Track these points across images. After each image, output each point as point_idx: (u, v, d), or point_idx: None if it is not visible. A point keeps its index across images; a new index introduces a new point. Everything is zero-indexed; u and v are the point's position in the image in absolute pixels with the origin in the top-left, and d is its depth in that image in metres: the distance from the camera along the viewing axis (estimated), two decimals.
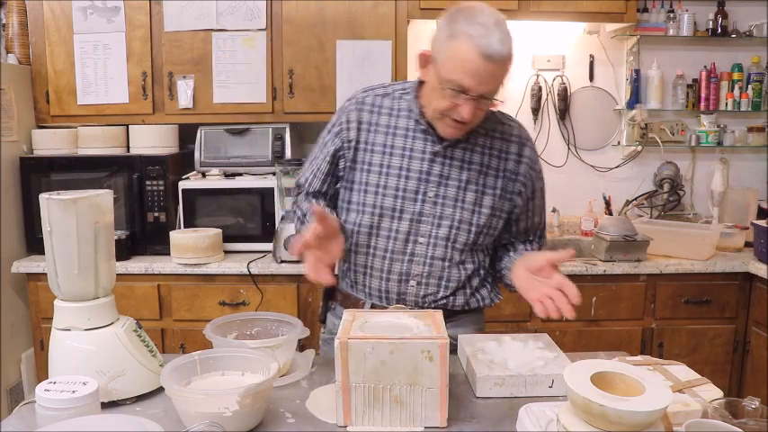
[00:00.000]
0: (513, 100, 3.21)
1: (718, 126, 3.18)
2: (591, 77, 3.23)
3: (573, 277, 2.63)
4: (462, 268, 1.51)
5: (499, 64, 1.28)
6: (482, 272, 1.56)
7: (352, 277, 1.56)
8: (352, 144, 1.50)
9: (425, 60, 1.37)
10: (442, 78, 1.31)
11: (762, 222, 2.68)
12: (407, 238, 1.47)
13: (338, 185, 1.55)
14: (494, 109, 1.49)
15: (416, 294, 1.50)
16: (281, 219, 2.67)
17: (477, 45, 1.26)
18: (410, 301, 1.50)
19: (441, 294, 1.50)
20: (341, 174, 1.53)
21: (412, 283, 1.49)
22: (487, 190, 1.47)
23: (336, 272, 1.62)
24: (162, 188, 2.74)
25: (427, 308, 1.49)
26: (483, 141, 1.48)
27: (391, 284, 1.50)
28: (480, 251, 1.54)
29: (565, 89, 3.19)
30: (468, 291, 1.54)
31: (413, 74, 2.90)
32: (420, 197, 1.46)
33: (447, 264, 1.49)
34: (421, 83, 1.45)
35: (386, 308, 1.49)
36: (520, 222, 1.55)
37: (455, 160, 1.46)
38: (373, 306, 1.52)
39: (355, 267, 1.54)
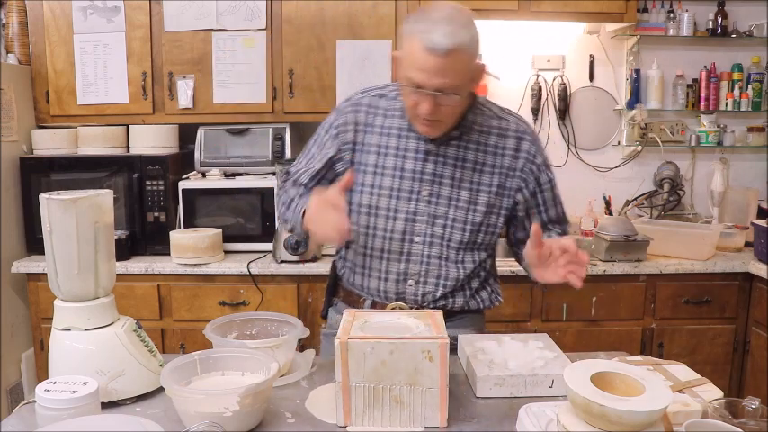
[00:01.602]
0: (513, 100, 3.21)
1: (718, 126, 3.18)
2: (591, 77, 3.23)
3: None
4: (461, 267, 1.50)
5: (445, 57, 1.27)
6: (482, 273, 1.56)
7: (350, 278, 1.57)
8: (350, 146, 1.51)
9: (396, 61, 1.40)
10: (402, 76, 1.35)
11: (762, 222, 2.68)
12: (403, 237, 1.48)
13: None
14: (495, 104, 1.51)
15: (415, 293, 1.50)
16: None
17: (421, 40, 1.28)
18: (409, 300, 1.50)
19: (440, 293, 1.50)
20: (339, 176, 1.53)
21: (410, 282, 1.49)
22: (482, 188, 1.47)
23: (339, 271, 1.63)
24: (162, 188, 2.74)
25: (426, 307, 1.50)
26: (478, 138, 1.48)
27: (389, 284, 1.50)
28: (481, 250, 1.53)
29: (565, 89, 3.19)
30: (467, 292, 1.54)
31: None
32: (414, 196, 1.46)
33: (444, 262, 1.49)
34: None
35: (385, 305, 1.50)
36: (533, 218, 1.54)
37: (449, 158, 1.46)
38: (374, 303, 1.53)
39: (354, 267, 1.55)
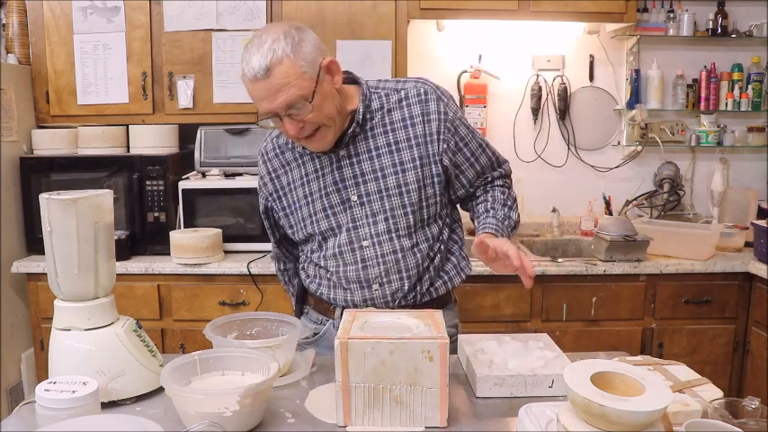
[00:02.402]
0: (513, 100, 3.21)
1: (718, 126, 3.18)
2: (591, 77, 3.23)
3: (573, 277, 2.65)
4: (417, 251, 1.49)
5: (268, 77, 1.29)
6: (441, 246, 1.53)
7: (317, 289, 1.57)
8: (273, 195, 1.56)
9: None
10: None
11: (762, 222, 2.68)
12: (352, 247, 1.48)
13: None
14: (388, 80, 1.51)
15: (384, 296, 1.49)
16: None
17: (245, 75, 1.32)
18: (379, 303, 1.49)
19: (407, 287, 1.49)
20: (281, 222, 1.59)
21: (374, 286, 1.48)
22: (406, 165, 1.45)
23: (305, 282, 1.63)
24: (162, 188, 2.74)
25: (397, 305, 1.49)
26: (382, 120, 1.46)
27: (355, 294, 1.50)
28: (431, 224, 1.50)
29: (565, 89, 3.19)
30: (432, 272, 1.52)
31: (412, 74, 2.91)
32: (346, 205, 1.47)
33: (400, 255, 1.47)
34: None
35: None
36: (467, 173, 1.52)
37: (361, 154, 1.46)
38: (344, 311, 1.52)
39: (318, 280, 1.56)
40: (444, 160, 1.46)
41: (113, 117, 2.88)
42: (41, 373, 2.71)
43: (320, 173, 1.48)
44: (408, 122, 1.45)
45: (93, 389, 1.10)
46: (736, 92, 3.14)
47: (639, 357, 1.37)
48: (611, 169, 3.28)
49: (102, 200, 1.24)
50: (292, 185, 1.52)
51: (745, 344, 2.71)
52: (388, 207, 1.45)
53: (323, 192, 1.48)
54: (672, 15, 3.10)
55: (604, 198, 3.20)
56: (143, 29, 2.81)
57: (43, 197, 1.21)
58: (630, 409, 0.89)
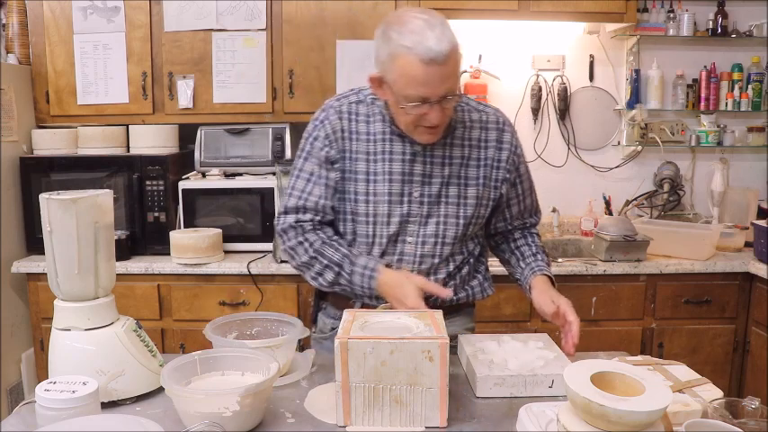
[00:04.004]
0: (513, 100, 3.21)
1: (718, 126, 3.18)
2: (591, 77, 3.23)
3: (573, 277, 2.65)
4: (452, 261, 1.52)
5: (446, 63, 1.26)
6: (471, 260, 1.57)
7: None
8: (343, 154, 1.48)
9: (379, 83, 1.37)
10: (399, 97, 1.32)
11: (762, 222, 2.68)
12: (396, 239, 1.48)
13: None
14: (470, 97, 1.55)
15: None
16: None
17: (418, 54, 1.24)
18: None
19: None
20: (332, 184, 1.49)
21: None
22: (470, 182, 1.49)
23: None
24: (162, 188, 2.74)
25: None
26: (462, 133, 1.49)
27: None
28: (469, 240, 1.55)
29: (565, 89, 3.19)
30: (457, 281, 1.54)
31: None
32: (406, 198, 1.47)
33: (437, 260, 1.50)
34: None
35: (374, 307, 1.44)
36: (512, 207, 1.59)
37: (435, 158, 1.47)
38: (363, 305, 1.51)
39: None
40: (502, 188, 1.53)
41: (113, 117, 2.88)
42: (41, 373, 2.71)
43: (387, 157, 1.46)
44: (483, 144, 1.50)
45: (93, 389, 1.10)
46: (736, 92, 3.14)
47: (639, 357, 1.37)
48: (611, 169, 3.28)
49: (102, 200, 1.24)
50: (356, 155, 1.47)
51: (745, 344, 2.71)
52: (443, 213, 1.48)
53: (386, 177, 1.46)
54: (672, 15, 3.10)
55: (604, 198, 3.20)
56: (143, 29, 2.81)
57: (43, 197, 1.21)
58: (630, 409, 0.89)
